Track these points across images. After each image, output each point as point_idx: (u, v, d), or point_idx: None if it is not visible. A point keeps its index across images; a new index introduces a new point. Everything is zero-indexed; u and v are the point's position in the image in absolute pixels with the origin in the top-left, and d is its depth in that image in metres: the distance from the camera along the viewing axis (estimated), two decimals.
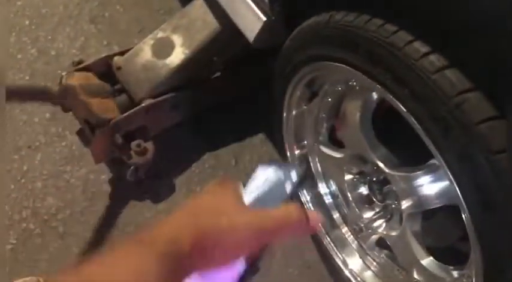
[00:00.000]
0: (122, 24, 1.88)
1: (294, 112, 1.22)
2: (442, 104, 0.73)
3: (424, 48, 0.76)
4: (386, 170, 0.97)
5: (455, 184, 0.76)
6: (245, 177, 1.58)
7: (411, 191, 0.93)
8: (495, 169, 0.69)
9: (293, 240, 1.42)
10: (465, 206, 0.76)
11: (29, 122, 1.63)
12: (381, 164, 0.98)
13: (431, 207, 0.92)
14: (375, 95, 0.98)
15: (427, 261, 0.98)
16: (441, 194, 0.88)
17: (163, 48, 1.48)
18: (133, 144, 1.42)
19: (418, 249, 0.98)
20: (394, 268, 1.14)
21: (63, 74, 1.42)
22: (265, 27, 1.15)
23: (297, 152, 1.30)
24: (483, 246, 0.76)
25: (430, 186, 0.90)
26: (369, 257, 1.19)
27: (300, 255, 1.42)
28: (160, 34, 1.50)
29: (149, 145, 1.46)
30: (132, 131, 1.46)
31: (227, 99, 1.61)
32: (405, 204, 0.95)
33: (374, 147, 1.00)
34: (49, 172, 1.54)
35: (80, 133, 1.57)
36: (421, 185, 0.91)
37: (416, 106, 0.78)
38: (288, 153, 1.31)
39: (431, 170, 0.89)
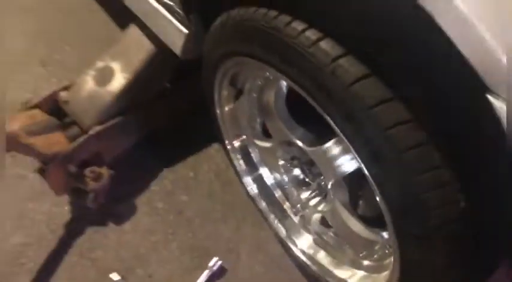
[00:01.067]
0: (71, 63, 1.96)
1: (226, 109, 1.28)
2: (321, 73, 0.79)
3: (300, 26, 0.83)
4: (304, 148, 1.02)
5: (350, 146, 0.81)
6: (206, 187, 1.63)
7: (329, 163, 0.98)
8: (374, 122, 0.75)
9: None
10: (362, 164, 0.80)
11: None
12: (300, 143, 1.03)
13: (349, 173, 0.96)
14: (283, 82, 1.04)
15: (360, 228, 1.01)
16: (352, 159, 0.93)
17: (104, 76, 1.55)
18: (87, 171, 1.47)
19: (349, 218, 1.02)
20: (343, 244, 1.17)
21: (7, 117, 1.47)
22: (188, 39, 1.22)
23: (236, 144, 1.35)
24: (385, 198, 0.80)
25: (343, 155, 0.95)
26: (318, 238, 1.22)
27: (265, 252, 1.45)
28: (99, 64, 1.57)
29: (104, 170, 1.51)
30: (88, 159, 1.52)
31: (178, 115, 1.68)
32: (327, 177, 1.00)
33: (292, 130, 1.05)
34: (15, 212, 1.58)
35: (39, 170, 1.62)
36: (335, 155, 0.96)
37: (303, 80, 0.84)
38: (229, 147, 1.36)
39: (340, 139, 0.94)
